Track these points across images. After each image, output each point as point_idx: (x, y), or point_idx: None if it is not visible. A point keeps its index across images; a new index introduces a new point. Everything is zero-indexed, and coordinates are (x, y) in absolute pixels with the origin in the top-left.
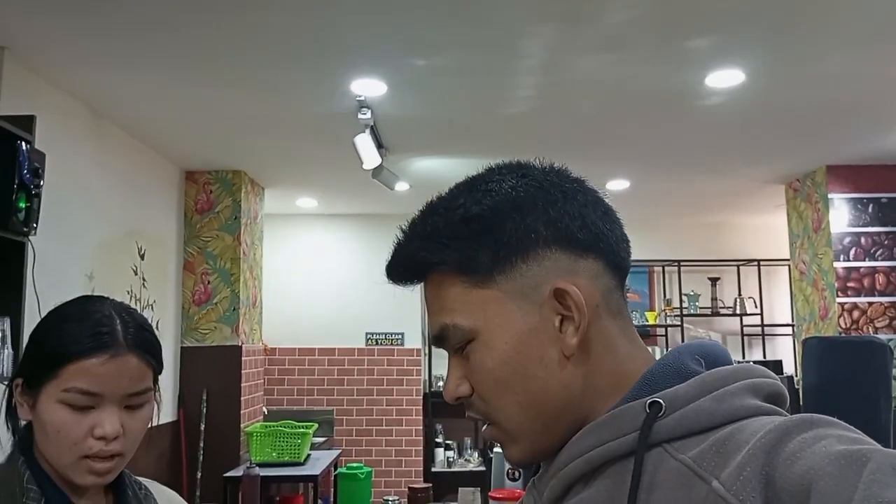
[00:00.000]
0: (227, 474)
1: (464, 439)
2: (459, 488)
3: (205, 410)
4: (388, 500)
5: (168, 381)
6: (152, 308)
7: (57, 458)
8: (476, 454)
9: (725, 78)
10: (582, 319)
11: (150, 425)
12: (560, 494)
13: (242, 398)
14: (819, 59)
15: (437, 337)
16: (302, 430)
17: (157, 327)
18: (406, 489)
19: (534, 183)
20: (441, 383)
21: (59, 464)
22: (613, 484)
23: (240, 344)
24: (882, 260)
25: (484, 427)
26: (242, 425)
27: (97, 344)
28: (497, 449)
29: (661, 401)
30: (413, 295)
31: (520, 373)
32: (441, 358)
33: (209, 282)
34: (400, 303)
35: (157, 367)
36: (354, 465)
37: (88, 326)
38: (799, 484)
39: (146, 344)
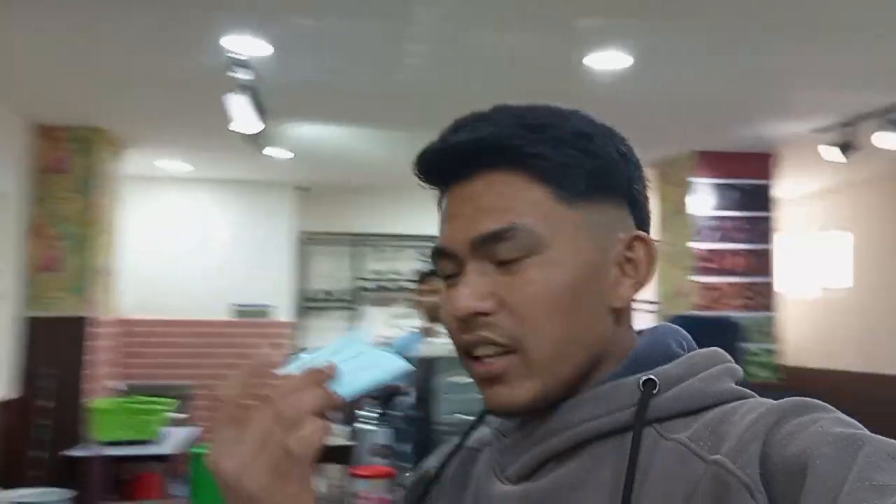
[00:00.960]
0: (67, 453)
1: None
2: (320, 465)
3: (50, 386)
4: None
5: (6, 355)
6: None
7: None
8: (346, 428)
9: (610, 60)
10: (646, 276)
11: None
12: (531, 470)
13: (91, 372)
14: (698, 49)
15: (492, 236)
16: (155, 406)
17: None
18: None
19: (622, 141)
20: None
21: None
22: (597, 462)
23: (91, 314)
24: (740, 242)
25: (476, 364)
26: (90, 401)
27: None
28: (362, 425)
29: (655, 378)
30: (283, 264)
31: (579, 304)
32: (313, 331)
33: (58, 247)
34: (269, 273)
35: None
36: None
37: None
38: (794, 462)
39: None
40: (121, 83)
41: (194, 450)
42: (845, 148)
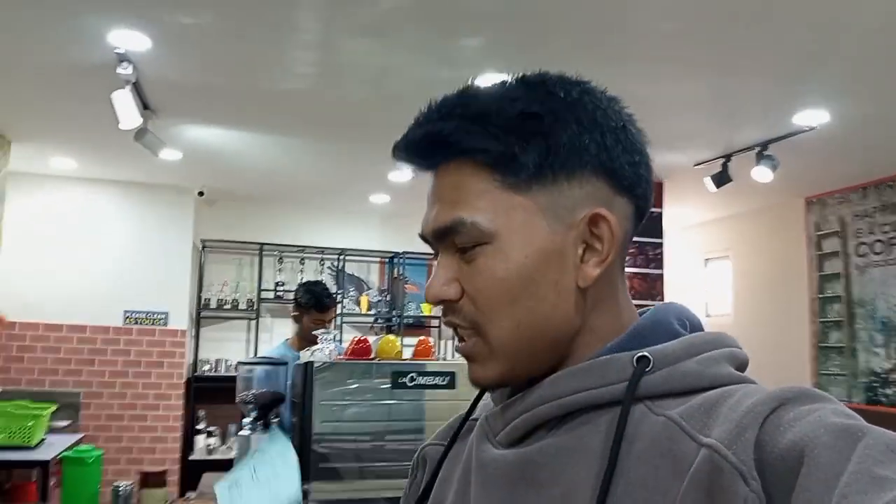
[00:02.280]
0: None
1: (227, 426)
2: (204, 474)
3: None
4: (119, 486)
5: None
6: None
7: None
8: (232, 438)
9: (490, 81)
10: (610, 253)
11: None
12: (522, 436)
13: None
14: (579, 70)
15: (445, 230)
16: (35, 410)
17: None
18: (139, 475)
19: (598, 102)
20: (207, 367)
21: None
22: (587, 432)
23: None
24: (628, 266)
25: (459, 341)
26: None
27: None
28: (243, 432)
29: (648, 356)
30: (181, 271)
31: (530, 290)
32: (210, 342)
33: None
34: (165, 279)
35: None
36: (84, 448)
37: None
38: (791, 450)
39: None
40: (5, 75)
41: (67, 454)
42: (721, 180)
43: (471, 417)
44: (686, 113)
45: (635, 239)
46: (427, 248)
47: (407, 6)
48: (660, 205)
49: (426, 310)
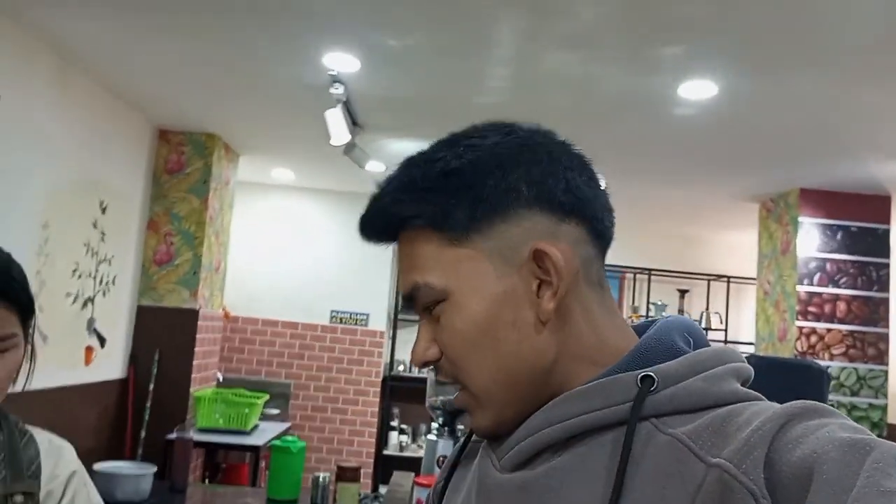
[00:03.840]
0: (170, 436)
1: (419, 425)
2: (394, 472)
3: (155, 371)
4: (319, 477)
5: (120, 339)
6: (109, 263)
7: None
8: (420, 439)
9: (696, 89)
10: (561, 284)
11: (21, 370)
12: (526, 459)
13: (195, 362)
14: (790, 79)
15: (408, 296)
16: (251, 399)
17: (112, 283)
18: (336, 467)
19: (518, 141)
20: (402, 367)
21: None
22: (592, 454)
23: (197, 308)
24: (845, 287)
25: (456, 394)
26: (192, 389)
27: None
28: (430, 436)
29: (653, 375)
30: (381, 276)
31: (490, 335)
32: (405, 343)
33: (172, 243)
34: (367, 283)
35: (22, 312)
36: (290, 438)
37: None
38: (801, 466)
39: (5, 288)
40: (232, 92)
41: (276, 443)
42: None
43: (472, 440)
44: None
45: (856, 258)
46: (622, 262)
47: (609, 15)
48: (886, 221)
49: None
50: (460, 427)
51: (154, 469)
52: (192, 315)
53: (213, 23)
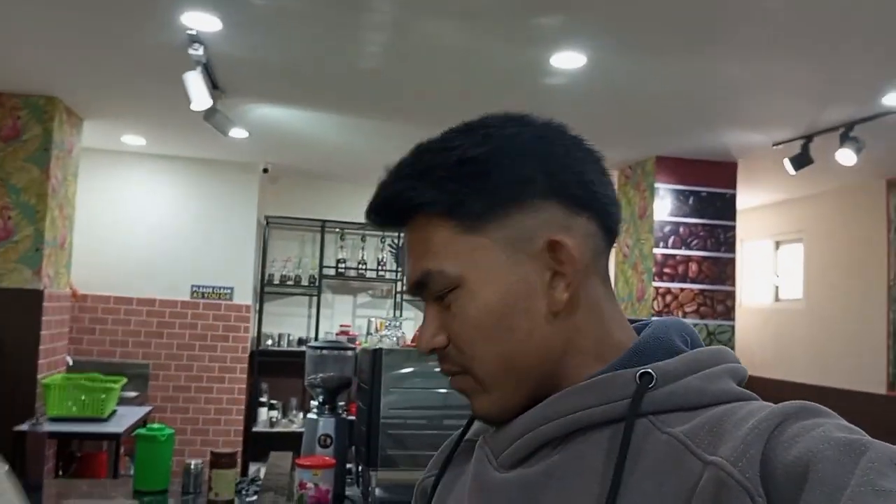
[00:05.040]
0: (18, 428)
1: (290, 399)
2: (271, 452)
3: None
4: (191, 464)
5: None
6: None
7: None
8: (301, 415)
9: (567, 59)
10: (574, 275)
11: None
12: (525, 456)
13: (42, 347)
14: (656, 52)
15: (418, 283)
16: (107, 383)
17: None
18: (209, 454)
19: (535, 132)
20: (270, 342)
21: None
22: (590, 450)
23: (42, 288)
24: (696, 249)
25: (452, 378)
26: (39, 376)
27: None
28: (311, 415)
29: (652, 372)
30: (246, 247)
31: (504, 323)
32: (273, 316)
33: (10, 217)
34: (231, 256)
35: None
36: (156, 426)
37: None
38: (796, 465)
39: None
40: (75, 52)
41: (140, 430)
42: (801, 161)
43: (465, 439)
44: (773, 92)
45: (706, 222)
46: None
47: None
48: (733, 186)
49: None
50: (341, 404)
51: (5, 468)
52: (37, 296)
53: None
